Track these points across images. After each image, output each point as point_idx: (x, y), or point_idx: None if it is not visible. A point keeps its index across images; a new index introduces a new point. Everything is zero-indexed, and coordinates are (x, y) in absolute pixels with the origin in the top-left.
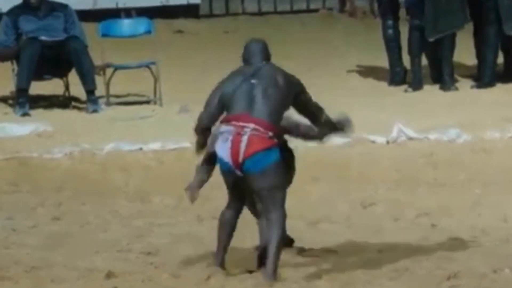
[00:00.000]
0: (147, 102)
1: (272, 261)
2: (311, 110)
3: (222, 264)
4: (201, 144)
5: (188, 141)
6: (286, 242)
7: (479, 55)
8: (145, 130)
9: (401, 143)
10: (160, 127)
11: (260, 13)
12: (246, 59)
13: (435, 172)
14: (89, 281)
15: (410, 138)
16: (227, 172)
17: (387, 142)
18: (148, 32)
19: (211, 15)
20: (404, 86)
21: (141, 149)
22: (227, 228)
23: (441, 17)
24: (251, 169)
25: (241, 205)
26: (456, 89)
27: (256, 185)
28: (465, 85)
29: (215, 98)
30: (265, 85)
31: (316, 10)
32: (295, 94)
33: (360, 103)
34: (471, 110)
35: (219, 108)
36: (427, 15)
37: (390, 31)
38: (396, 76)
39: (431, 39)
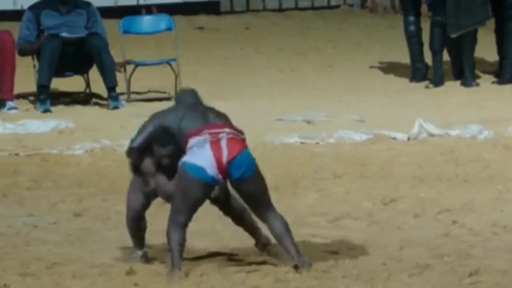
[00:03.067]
0: (168, 99)
1: (298, 250)
2: None
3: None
4: (136, 166)
5: None
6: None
7: (500, 51)
8: None
9: (422, 140)
10: None
11: (281, 10)
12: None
13: (457, 169)
14: (110, 278)
15: (431, 135)
16: (204, 183)
17: (408, 139)
18: (169, 28)
19: (232, 11)
20: (426, 82)
21: None
22: (183, 246)
23: (463, 13)
24: (246, 173)
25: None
26: (477, 85)
27: (254, 189)
28: (486, 81)
29: (151, 126)
30: (213, 109)
31: (337, 6)
32: None
33: (381, 100)
34: (492, 106)
35: (152, 136)
36: (449, 11)
37: (412, 27)
38: (418, 72)
39: (453, 36)
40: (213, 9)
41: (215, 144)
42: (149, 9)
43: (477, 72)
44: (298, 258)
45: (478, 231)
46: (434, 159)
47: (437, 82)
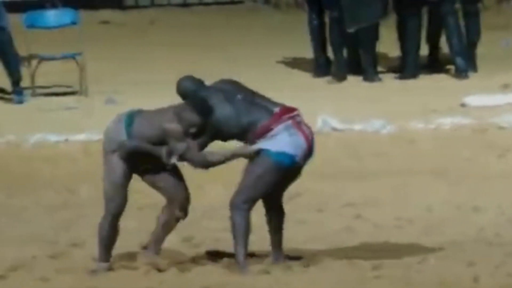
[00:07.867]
0: (73, 93)
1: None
2: None
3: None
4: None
5: None
6: None
7: (403, 47)
8: (71, 121)
9: (326, 134)
10: (86, 118)
11: (185, 4)
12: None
13: (359, 163)
14: (15, 275)
15: (335, 129)
16: (287, 168)
17: None
18: (74, 23)
19: (136, 6)
20: (328, 78)
21: (67, 140)
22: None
23: (359, 8)
24: (310, 157)
25: None
26: (380, 80)
27: (300, 174)
28: (389, 76)
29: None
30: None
31: (241, 2)
32: None
33: (284, 95)
34: (395, 101)
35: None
36: (344, 6)
37: (315, 23)
38: (321, 67)
39: (350, 31)
40: (117, 3)
41: (300, 129)
42: (53, 3)
43: (380, 67)
44: (275, 256)
45: (382, 225)
46: (337, 154)
47: (339, 77)
